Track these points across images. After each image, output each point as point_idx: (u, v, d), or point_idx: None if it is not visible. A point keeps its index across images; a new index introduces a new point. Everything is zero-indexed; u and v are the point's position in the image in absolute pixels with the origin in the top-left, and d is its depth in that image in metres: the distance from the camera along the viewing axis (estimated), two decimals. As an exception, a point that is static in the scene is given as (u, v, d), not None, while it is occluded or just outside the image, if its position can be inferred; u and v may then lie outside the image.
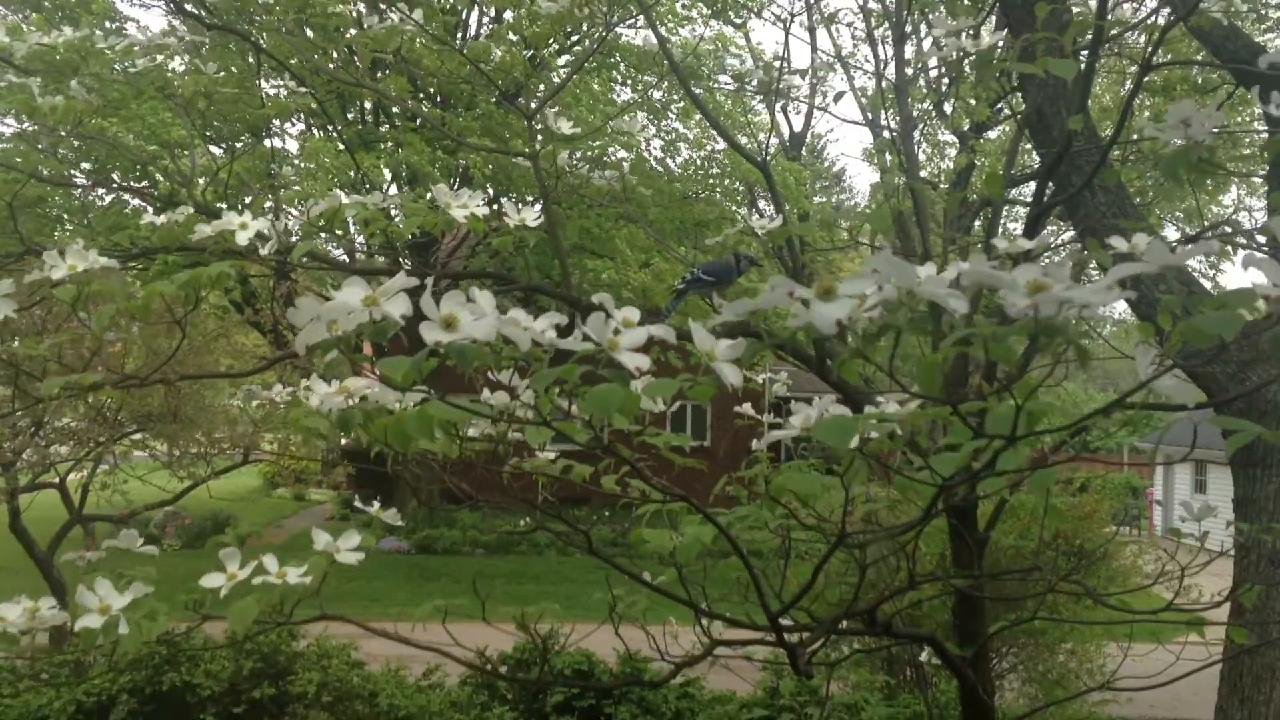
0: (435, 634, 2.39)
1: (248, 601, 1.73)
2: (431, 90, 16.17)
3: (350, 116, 18.63)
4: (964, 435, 1.61)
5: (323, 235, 2.58)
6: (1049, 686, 8.24)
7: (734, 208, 16.89)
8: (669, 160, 17.89)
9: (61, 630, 8.31)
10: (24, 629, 1.76)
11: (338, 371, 1.54)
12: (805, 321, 1.16)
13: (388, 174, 17.44)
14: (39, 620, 1.77)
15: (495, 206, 2.65)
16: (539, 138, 3.28)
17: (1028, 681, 8.47)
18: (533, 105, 3.28)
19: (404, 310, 1.35)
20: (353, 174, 13.46)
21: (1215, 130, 1.83)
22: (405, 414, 1.57)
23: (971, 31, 2.72)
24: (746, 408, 3.40)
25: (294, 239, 2.63)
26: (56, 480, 10.02)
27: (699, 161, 17.87)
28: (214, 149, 11.43)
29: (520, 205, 2.57)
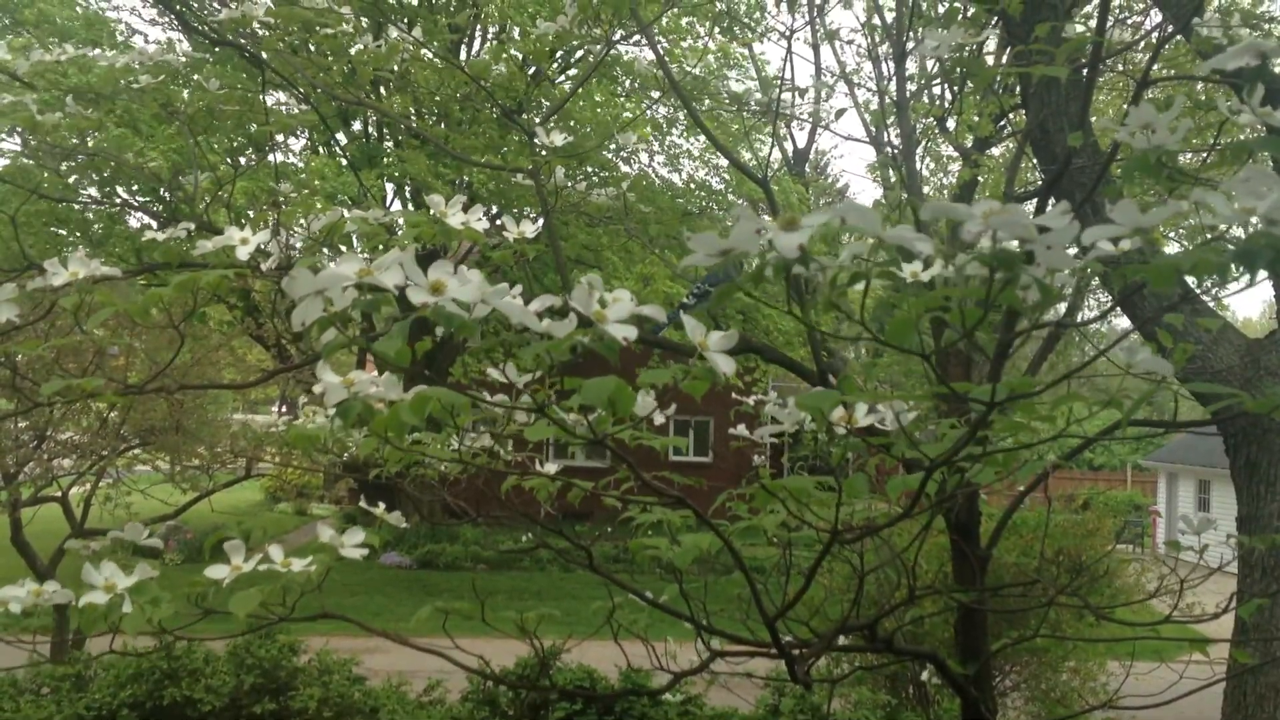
0: (437, 647, 2.38)
1: (251, 591, 1.74)
2: (433, 108, 16.24)
3: (354, 130, 18.69)
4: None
5: (325, 250, 2.58)
6: (1051, 705, 8.21)
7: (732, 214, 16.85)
8: (673, 176, 17.93)
9: (62, 644, 8.30)
10: (28, 608, 1.76)
11: (335, 352, 1.54)
12: (775, 256, 1.18)
13: (390, 190, 17.49)
14: (44, 599, 1.77)
15: (496, 222, 2.65)
16: (540, 152, 3.29)
17: (1030, 700, 8.44)
18: (534, 122, 3.29)
19: (397, 281, 1.36)
20: (356, 190, 13.48)
21: (1225, 141, 1.83)
22: (401, 403, 1.58)
23: (972, 44, 2.73)
24: (741, 429, 3.40)
25: (296, 253, 2.63)
26: (59, 494, 10.01)
27: (702, 176, 17.91)
28: (217, 161, 11.46)
29: (520, 219, 2.57)
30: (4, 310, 2.12)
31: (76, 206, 10.83)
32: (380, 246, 2.73)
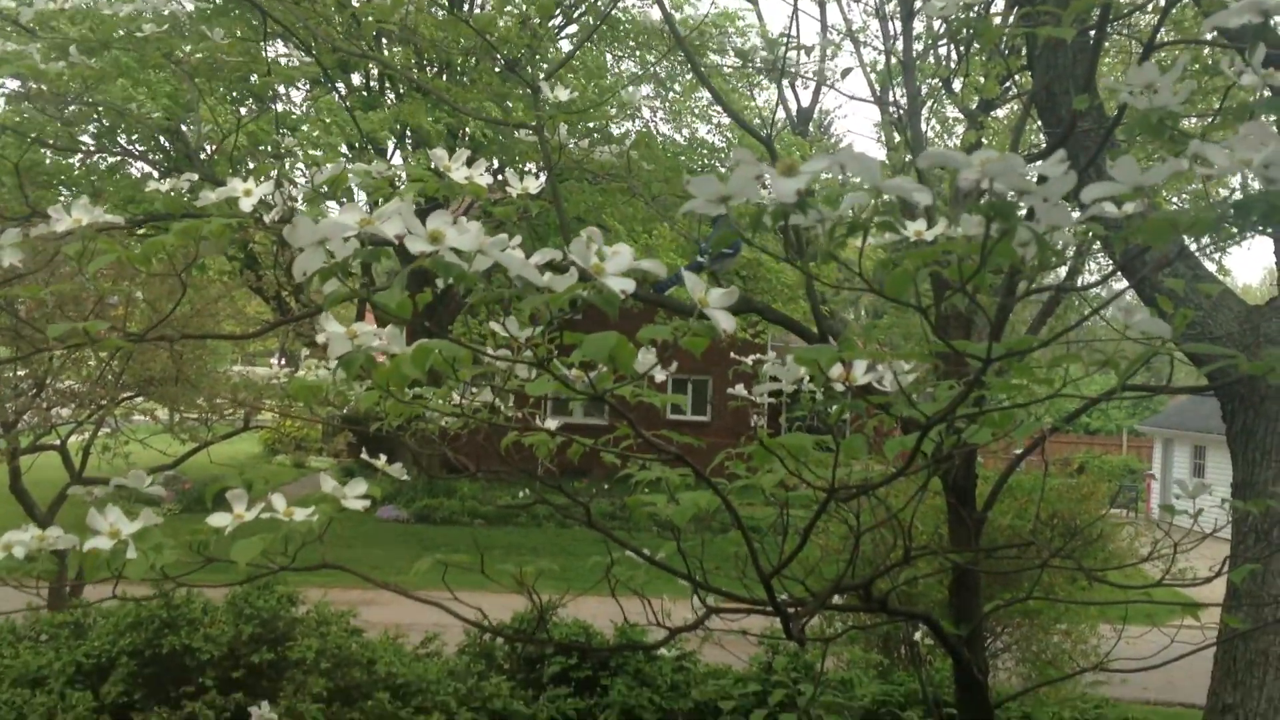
0: (434, 600, 2.40)
1: (253, 540, 1.75)
2: (434, 58, 16.13)
3: (354, 82, 18.58)
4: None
5: (327, 203, 2.58)
6: (1043, 666, 8.27)
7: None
8: (676, 135, 17.86)
9: (60, 591, 8.35)
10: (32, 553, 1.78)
11: (338, 303, 1.55)
12: (774, 201, 1.19)
13: (390, 142, 17.40)
14: (48, 544, 1.79)
15: (498, 177, 2.65)
16: (544, 107, 3.28)
17: (1021, 661, 8.50)
18: (538, 76, 3.27)
19: (398, 231, 1.37)
20: (355, 133, 13.41)
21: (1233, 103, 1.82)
22: (402, 355, 1.59)
23: (978, 4, 2.72)
24: (739, 389, 3.40)
25: (298, 205, 2.63)
26: (57, 442, 10.04)
27: (703, 134, 17.84)
28: (219, 111, 11.39)
29: (523, 174, 2.57)
30: (8, 254, 2.13)
31: (76, 158, 10.78)
32: (380, 200, 2.73)
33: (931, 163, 1.20)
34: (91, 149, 11.91)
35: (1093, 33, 3.51)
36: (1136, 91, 1.58)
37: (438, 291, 1.61)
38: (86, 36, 3.09)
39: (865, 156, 1.18)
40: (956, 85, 9.94)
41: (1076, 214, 1.34)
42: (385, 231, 1.37)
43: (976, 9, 2.65)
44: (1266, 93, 1.70)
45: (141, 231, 4.37)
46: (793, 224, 1.25)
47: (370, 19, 3.34)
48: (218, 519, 1.82)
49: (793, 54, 5.47)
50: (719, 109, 16.04)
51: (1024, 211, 1.20)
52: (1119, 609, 3.25)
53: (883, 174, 1.18)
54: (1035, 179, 1.16)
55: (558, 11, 16.62)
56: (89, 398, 9.82)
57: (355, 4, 3.36)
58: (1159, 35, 3.31)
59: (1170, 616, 3.19)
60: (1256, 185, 1.24)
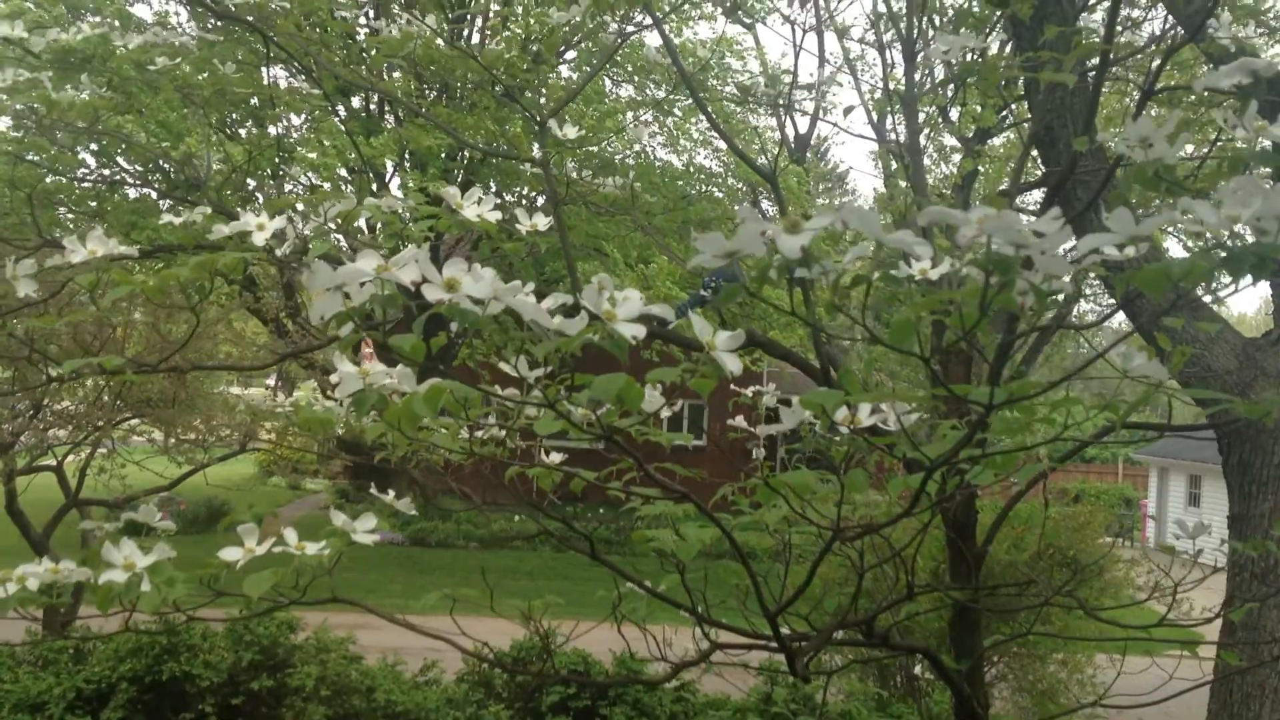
0: (434, 626, 2.41)
1: (264, 574, 1.77)
2: (435, 81, 16.19)
3: (354, 105, 18.63)
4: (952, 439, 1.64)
5: (337, 237, 2.61)
6: (1038, 696, 8.26)
7: (736, 207, 16.88)
8: (673, 158, 17.91)
9: (55, 614, 8.32)
10: (45, 586, 1.80)
11: (351, 345, 1.57)
12: (780, 259, 1.21)
13: (390, 164, 17.43)
14: (62, 577, 1.81)
15: (499, 200, 2.68)
16: (549, 140, 3.30)
17: (1018, 691, 8.49)
18: (543, 111, 3.30)
19: (414, 278, 1.39)
20: (355, 158, 13.45)
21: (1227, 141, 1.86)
22: (414, 395, 1.61)
23: (977, 47, 2.76)
24: (739, 420, 3.42)
25: (306, 231, 2.66)
26: (54, 463, 10.02)
27: (700, 160, 17.90)
28: (224, 139, 11.41)
29: (529, 205, 2.60)
30: (24, 285, 2.16)
31: (81, 181, 10.82)
32: (379, 227, 2.76)
33: (931, 220, 1.23)
34: (91, 171, 11.95)
35: (1092, 74, 3.55)
36: (1132, 146, 1.62)
37: (452, 335, 1.64)
38: (81, 49, 3.11)
39: (867, 211, 1.21)
40: (953, 114, 9.99)
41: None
42: (401, 278, 1.40)
43: (974, 53, 2.69)
44: (1266, 144, 1.73)
45: (137, 249, 4.38)
46: (799, 275, 1.28)
47: (377, 53, 3.37)
48: (229, 553, 1.84)
49: (792, 89, 5.50)
50: (717, 134, 16.10)
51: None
52: (1117, 641, 3.27)
53: (881, 207, 1.21)
54: (1032, 225, 1.19)
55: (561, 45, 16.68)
56: (86, 419, 9.81)
57: (361, 37, 3.40)
58: (1158, 75, 3.35)
59: (1169, 649, 3.21)
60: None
